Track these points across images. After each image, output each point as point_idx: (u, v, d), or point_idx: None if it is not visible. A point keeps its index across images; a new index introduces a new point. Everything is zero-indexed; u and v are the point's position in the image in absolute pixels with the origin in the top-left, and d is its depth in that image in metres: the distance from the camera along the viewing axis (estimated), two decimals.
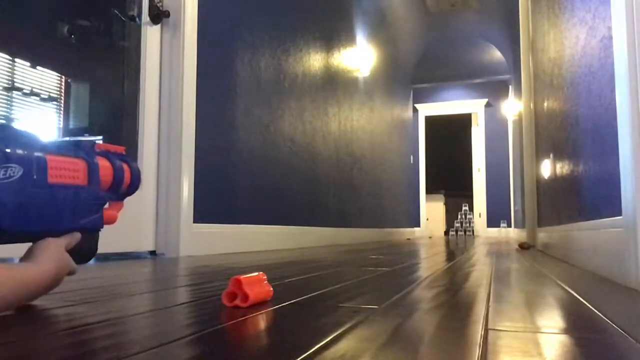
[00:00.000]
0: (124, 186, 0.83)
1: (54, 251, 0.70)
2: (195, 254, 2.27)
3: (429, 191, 9.26)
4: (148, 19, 2.27)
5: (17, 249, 0.73)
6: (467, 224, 9.38)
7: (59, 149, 0.72)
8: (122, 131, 2.25)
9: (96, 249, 0.82)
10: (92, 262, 1.81)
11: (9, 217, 0.64)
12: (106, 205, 0.82)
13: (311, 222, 3.69)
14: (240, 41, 2.78)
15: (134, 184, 0.85)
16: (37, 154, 0.67)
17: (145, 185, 2.21)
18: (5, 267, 0.62)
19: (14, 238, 0.68)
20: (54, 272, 0.69)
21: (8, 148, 0.63)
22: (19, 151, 0.65)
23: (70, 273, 0.76)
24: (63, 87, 1.98)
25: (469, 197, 9.28)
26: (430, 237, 7.30)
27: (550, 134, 2.84)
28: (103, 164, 0.79)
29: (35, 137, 0.69)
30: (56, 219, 0.71)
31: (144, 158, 2.20)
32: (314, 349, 0.50)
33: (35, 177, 0.66)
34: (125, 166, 0.83)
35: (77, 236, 0.75)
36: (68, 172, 0.72)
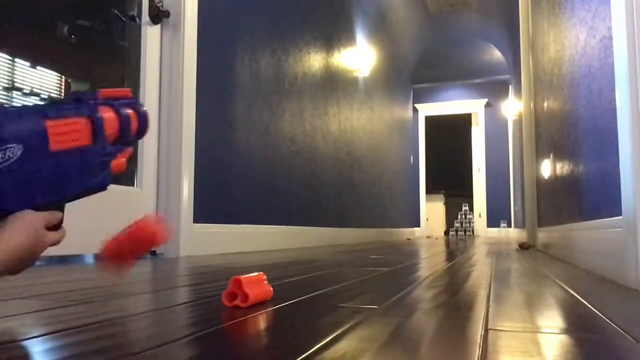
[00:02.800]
0: (132, 132, 0.76)
1: (29, 225, 0.65)
2: (195, 254, 2.27)
3: (429, 191, 9.26)
4: (148, 19, 2.27)
5: None
6: (467, 224, 9.38)
7: (58, 111, 0.67)
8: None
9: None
10: (92, 262, 1.81)
11: (14, 197, 0.61)
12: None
13: (311, 222, 3.69)
14: (240, 41, 2.78)
15: (142, 129, 0.78)
16: (34, 125, 0.63)
17: (146, 185, 2.21)
18: None
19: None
20: (25, 246, 0.64)
21: (3, 129, 0.59)
22: (15, 127, 0.61)
23: (56, 243, 0.70)
24: (63, 87, 1.98)
25: (469, 197, 9.27)
26: (428, 237, 7.26)
27: (550, 134, 2.84)
28: (108, 115, 0.72)
29: (32, 106, 0.66)
30: (63, 186, 0.67)
31: (144, 158, 2.20)
32: (314, 349, 0.50)
33: (36, 150, 0.62)
34: (131, 112, 0.76)
35: (58, 215, 0.69)
36: (71, 134, 0.67)
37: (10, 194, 0.61)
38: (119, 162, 0.75)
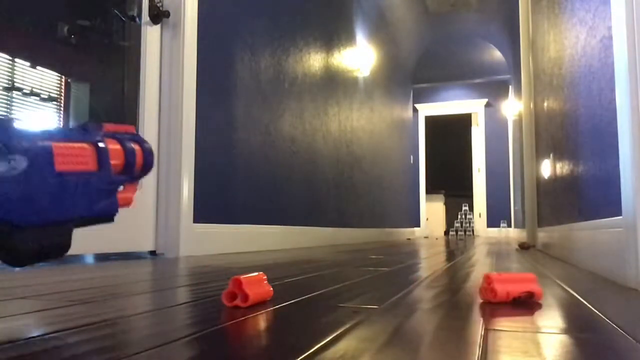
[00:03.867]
0: (137, 167, 0.79)
1: None
2: (195, 254, 2.27)
3: (429, 191, 9.26)
4: (148, 19, 2.27)
5: None
6: (467, 224, 9.38)
7: (65, 136, 0.69)
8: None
9: (67, 244, 0.73)
10: (92, 262, 1.81)
11: (18, 210, 0.62)
12: (121, 188, 0.78)
13: (311, 222, 3.69)
14: (240, 41, 2.78)
15: (147, 164, 0.81)
16: (41, 142, 0.65)
17: (146, 185, 2.21)
18: None
19: (30, 239, 0.64)
20: None
21: (10, 139, 0.61)
22: (22, 141, 0.62)
23: None
24: (63, 87, 1.98)
25: (469, 197, 9.27)
26: (425, 237, 7.23)
27: (550, 134, 2.84)
28: (112, 146, 0.75)
29: (39, 129, 0.68)
30: (68, 208, 0.68)
31: None
32: (313, 349, 0.50)
33: (41, 166, 0.64)
34: (136, 147, 0.79)
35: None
36: (76, 158, 0.69)
37: (14, 206, 0.62)
38: (126, 196, 0.78)
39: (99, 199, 0.73)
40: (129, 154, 0.77)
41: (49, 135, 0.67)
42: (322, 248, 3.27)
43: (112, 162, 0.74)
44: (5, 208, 0.61)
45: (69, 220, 0.69)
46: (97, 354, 0.48)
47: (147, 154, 0.80)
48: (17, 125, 0.64)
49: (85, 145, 0.71)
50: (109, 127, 0.77)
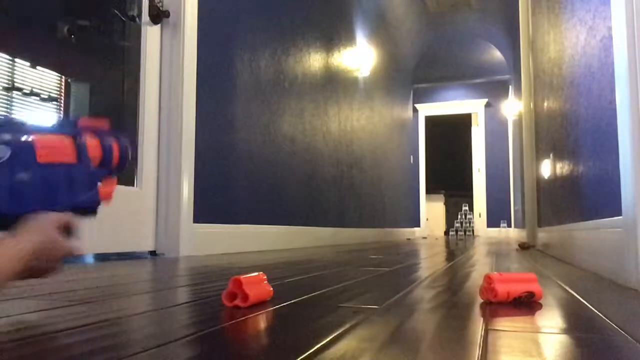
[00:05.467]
0: (114, 161, 0.81)
1: (38, 225, 0.66)
2: (195, 254, 2.27)
3: (429, 191, 9.25)
4: (148, 19, 2.27)
5: None
6: (467, 224, 9.38)
7: (45, 128, 0.73)
8: (122, 131, 2.25)
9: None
10: (92, 262, 1.81)
11: (3, 199, 0.64)
12: (99, 184, 0.80)
13: (311, 222, 3.69)
14: (240, 41, 2.78)
15: (123, 158, 0.83)
16: (23, 135, 0.67)
17: (145, 185, 2.21)
18: None
19: (12, 222, 0.66)
20: (33, 246, 0.64)
21: None
22: (5, 133, 0.65)
23: (71, 253, 0.71)
24: (63, 87, 1.98)
25: (469, 197, 9.27)
26: (424, 238, 7.21)
27: (550, 134, 2.84)
28: (90, 140, 0.77)
29: (22, 122, 0.70)
30: (51, 198, 0.71)
31: (144, 158, 2.20)
32: (314, 349, 0.50)
33: (24, 157, 0.67)
34: (113, 141, 0.81)
35: (68, 217, 0.71)
36: (57, 149, 0.71)
37: (1, 196, 0.64)
38: (107, 190, 0.80)
39: (80, 191, 0.75)
40: (106, 148, 0.79)
41: (29, 128, 0.69)
42: (322, 248, 3.27)
43: (90, 155, 0.76)
44: None
45: (53, 210, 0.71)
46: (97, 354, 0.48)
47: (124, 148, 0.83)
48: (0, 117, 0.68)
49: (64, 138, 0.73)
50: (83, 122, 0.79)
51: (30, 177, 0.67)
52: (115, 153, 0.81)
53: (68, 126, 0.77)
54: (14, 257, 0.62)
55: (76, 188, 0.74)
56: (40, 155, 0.69)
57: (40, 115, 1.89)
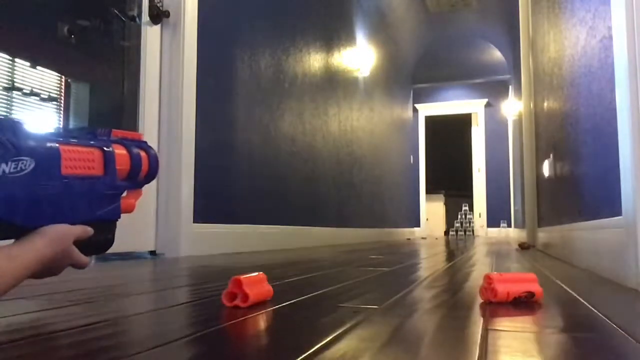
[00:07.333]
0: (142, 174, 0.79)
1: (57, 237, 0.65)
2: (195, 254, 2.27)
3: (429, 191, 9.25)
4: (148, 19, 2.27)
5: None
6: (467, 224, 9.37)
7: (74, 139, 0.69)
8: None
9: (113, 239, 0.77)
10: (92, 262, 1.81)
11: (22, 212, 0.61)
12: (124, 194, 0.78)
13: (311, 222, 3.69)
14: (240, 41, 2.78)
15: (152, 172, 0.81)
16: (49, 145, 0.64)
17: (146, 185, 2.20)
18: None
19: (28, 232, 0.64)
20: (47, 258, 0.64)
21: (18, 141, 0.60)
22: (30, 143, 0.62)
23: (80, 266, 0.71)
24: (63, 87, 1.98)
25: (469, 197, 9.26)
26: (423, 238, 7.20)
27: (550, 134, 2.84)
28: (119, 152, 0.75)
29: (49, 132, 0.68)
30: (71, 211, 0.68)
31: None
32: (314, 349, 0.50)
33: (47, 169, 0.63)
34: (142, 153, 0.79)
35: (89, 230, 0.71)
36: (83, 162, 0.69)
37: (19, 208, 0.61)
38: (129, 202, 0.79)
39: (102, 204, 0.73)
40: (135, 160, 0.77)
41: (57, 139, 0.66)
42: (322, 248, 3.27)
43: (118, 167, 0.74)
44: (10, 209, 0.61)
45: (72, 223, 0.69)
46: (97, 354, 0.48)
47: (153, 161, 0.81)
48: (26, 127, 0.64)
49: (93, 150, 0.71)
50: (117, 132, 0.77)
51: (53, 190, 0.65)
52: (144, 166, 0.79)
53: (99, 136, 0.75)
54: (28, 265, 0.61)
55: (98, 202, 0.72)
56: (66, 167, 0.66)
57: (40, 116, 1.89)
